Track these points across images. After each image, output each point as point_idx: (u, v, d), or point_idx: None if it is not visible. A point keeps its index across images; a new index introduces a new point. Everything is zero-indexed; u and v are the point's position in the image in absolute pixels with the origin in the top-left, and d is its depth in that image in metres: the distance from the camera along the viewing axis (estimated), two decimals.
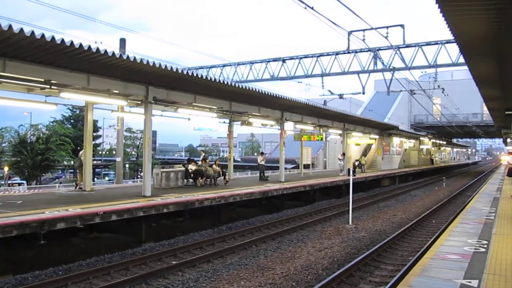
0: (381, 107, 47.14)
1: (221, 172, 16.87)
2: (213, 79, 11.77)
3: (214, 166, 16.83)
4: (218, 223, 12.72)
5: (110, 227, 9.50)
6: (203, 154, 18.51)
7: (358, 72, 22.70)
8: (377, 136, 31.57)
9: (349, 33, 20.29)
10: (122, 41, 18.65)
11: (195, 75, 10.77)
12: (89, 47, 8.01)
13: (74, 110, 42.08)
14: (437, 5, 5.93)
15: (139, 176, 40.66)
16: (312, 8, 10.31)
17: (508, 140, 36.00)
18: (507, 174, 27.58)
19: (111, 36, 18.63)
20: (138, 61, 9.06)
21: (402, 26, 20.05)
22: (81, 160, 13.60)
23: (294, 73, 24.58)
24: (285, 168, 23.19)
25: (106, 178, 46.48)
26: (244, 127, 21.09)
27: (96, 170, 47.32)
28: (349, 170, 15.34)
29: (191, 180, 15.80)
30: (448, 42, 20.33)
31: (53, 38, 7.40)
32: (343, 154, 25.67)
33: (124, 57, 8.91)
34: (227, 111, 16.78)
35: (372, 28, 16.32)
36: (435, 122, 50.25)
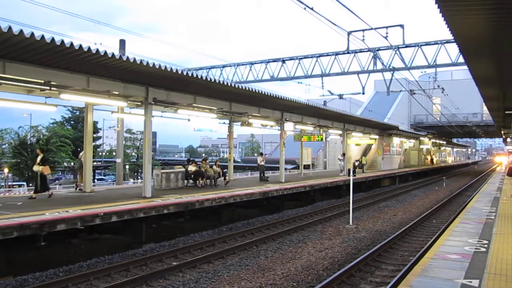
0: (381, 107, 47.15)
1: (221, 173, 16.87)
2: (213, 80, 11.76)
3: (214, 166, 16.84)
4: (219, 224, 12.71)
5: (111, 228, 9.48)
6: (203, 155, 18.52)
7: (357, 72, 22.67)
8: (377, 136, 31.56)
9: (349, 33, 20.28)
10: (122, 43, 18.61)
11: (194, 76, 10.77)
12: (89, 48, 8.00)
13: (74, 111, 42.13)
14: (436, 5, 5.94)
15: (139, 177, 40.64)
16: (311, 8, 10.31)
17: (508, 139, 36.00)
18: (507, 174, 27.56)
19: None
20: (138, 62, 9.05)
21: (401, 26, 20.01)
22: (81, 161, 13.60)
23: (294, 73, 24.55)
24: (285, 169, 23.18)
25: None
26: (244, 127, 21.08)
27: (96, 171, 47.25)
28: (349, 170, 15.34)
29: (191, 181, 15.79)
30: (447, 42, 20.32)
31: (52, 39, 7.38)
32: (343, 155, 25.68)
33: (124, 58, 8.90)
34: (227, 111, 16.77)
35: (371, 28, 16.32)
36: (435, 122, 50.22)
